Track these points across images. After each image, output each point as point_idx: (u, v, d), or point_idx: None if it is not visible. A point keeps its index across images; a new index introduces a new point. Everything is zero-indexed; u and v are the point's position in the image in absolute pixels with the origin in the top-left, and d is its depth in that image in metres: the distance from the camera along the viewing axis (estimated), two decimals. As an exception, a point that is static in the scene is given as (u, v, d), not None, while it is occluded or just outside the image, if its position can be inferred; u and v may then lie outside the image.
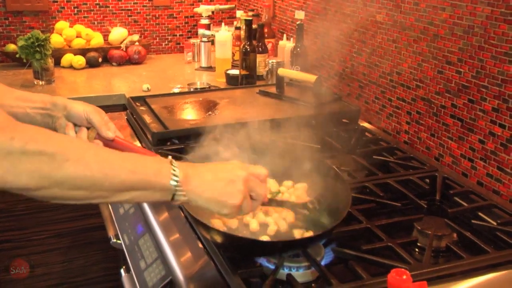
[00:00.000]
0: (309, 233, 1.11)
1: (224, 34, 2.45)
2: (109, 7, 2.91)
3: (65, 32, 2.76)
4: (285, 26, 2.61)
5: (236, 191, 0.97)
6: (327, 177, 1.21)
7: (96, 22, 2.91)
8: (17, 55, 2.40)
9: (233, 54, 2.54)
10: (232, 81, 2.33)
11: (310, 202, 1.17)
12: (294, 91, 2.04)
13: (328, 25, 2.15)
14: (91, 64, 2.71)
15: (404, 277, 0.83)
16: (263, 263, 1.06)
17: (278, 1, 2.65)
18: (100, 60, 2.73)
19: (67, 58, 2.69)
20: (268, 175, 1.06)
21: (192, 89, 2.24)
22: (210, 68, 2.65)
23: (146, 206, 1.35)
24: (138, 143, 1.69)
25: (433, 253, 1.13)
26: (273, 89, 2.05)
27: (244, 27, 2.27)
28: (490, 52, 1.38)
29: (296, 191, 1.23)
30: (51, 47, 2.39)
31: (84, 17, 2.88)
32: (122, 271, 1.50)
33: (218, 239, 1.06)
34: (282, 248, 1.05)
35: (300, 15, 2.21)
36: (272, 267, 1.04)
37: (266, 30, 2.49)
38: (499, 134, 1.38)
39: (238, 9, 2.97)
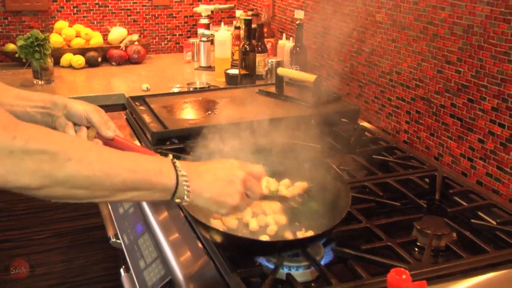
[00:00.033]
0: (309, 233, 1.12)
1: (223, 34, 2.45)
2: (108, 6, 2.91)
3: (64, 32, 2.76)
4: (284, 25, 2.60)
5: (234, 191, 0.98)
6: (327, 176, 1.21)
7: (95, 22, 2.91)
8: (17, 55, 2.40)
9: (233, 54, 2.53)
10: (232, 80, 2.33)
11: (298, 195, 1.19)
12: (293, 90, 2.04)
13: (328, 24, 2.15)
14: (91, 63, 2.71)
15: (404, 276, 0.83)
16: (263, 262, 1.06)
17: (278, 1, 2.65)
18: (99, 59, 2.73)
19: (67, 58, 2.69)
20: (264, 174, 1.08)
21: (191, 89, 2.24)
22: (209, 68, 2.65)
23: (145, 206, 1.35)
24: (137, 143, 1.69)
25: (433, 252, 1.13)
26: (272, 89, 2.05)
27: (243, 27, 2.27)
28: (490, 52, 1.38)
29: (295, 190, 1.23)
30: (50, 46, 2.39)
31: (84, 16, 2.88)
32: (121, 270, 1.50)
33: (218, 238, 1.06)
34: (282, 247, 1.06)
35: (299, 14, 2.21)
36: (271, 266, 1.04)
37: (265, 29, 2.49)
38: (498, 133, 1.39)
39: (237, 9, 2.97)
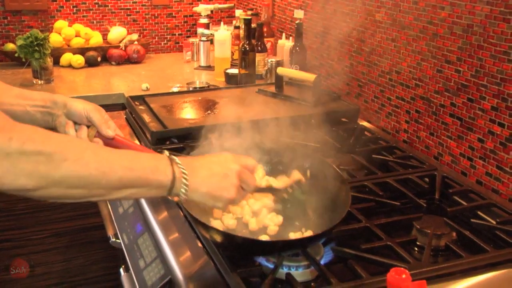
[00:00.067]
0: (309, 233, 1.12)
1: (223, 33, 2.45)
2: (108, 6, 2.91)
3: (64, 31, 2.76)
4: (284, 25, 2.60)
5: (230, 185, 1.00)
6: (327, 176, 1.21)
7: (95, 21, 2.91)
8: (16, 55, 2.40)
9: (232, 53, 2.53)
10: (231, 80, 2.33)
11: (290, 186, 1.21)
12: (293, 90, 2.04)
13: (327, 24, 2.15)
14: (90, 63, 2.71)
15: (404, 276, 0.83)
16: (263, 262, 1.06)
17: (277, 0, 2.65)
18: (99, 59, 2.73)
19: (66, 58, 2.69)
20: (257, 166, 1.10)
21: (191, 88, 2.24)
22: (209, 67, 2.65)
23: (145, 205, 1.34)
24: (137, 142, 1.69)
25: (433, 252, 1.13)
26: (272, 88, 2.05)
27: (243, 26, 2.27)
28: (489, 51, 1.38)
29: (287, 181, 1.24)
30: (50, 46, 2.39)
31: (83, 16, 2.88)
32: (121, 270, 1.50)
33: (218, 238, 1.06)
34: (282, 247, 1.06)
35: (299, 14, 2.21)
36: (271, 266, 1.04)
37: (265, 29, 2.49)
38: (498, 133, 1.39)
39: (237, 8, 2.96)
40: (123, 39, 2.84)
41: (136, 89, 2.31)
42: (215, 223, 1.13)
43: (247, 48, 2.23)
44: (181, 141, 1.63)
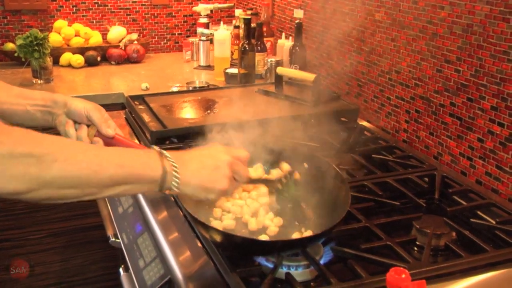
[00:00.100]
0: (308, 232, 1.12)
1: (223, 33, 2.45)
2: (107, 5, 2.91)
3: (63, 31, 2.76)
4: (283, 24, 2.60)
5: (222, 176, 1.00)
6: (326, 176, 1.21)
7: (94, 21, 2.91)
8: (16, 54, 2.40)
9: (232, 53, 2.53)
10: (231, 80, 2.33)
11: (284, 177, 1.22)
12: (293, 89, 2.04)
13: (327, 23, 2.15)
14: (90, 63, 2.70)
15: (403, 276, 0.83)
16: (262, 262, 1.06)
17: (277, 0, 2.65)
18: (98, 59, 2.73)
19: (66, 57, 2.69)
20: (248, 157, 1.10)
21: (190, 88, 2.24)
22: (209, 67, 2.65)
23: (145, 205, 1.34)
24: (137, 142, 1.69)
25: (432, 252, 1.13)
26: (272, 88, 2.05)
27: (243, 26, 2.27)
28: (489, 51, 1.38)
29: (279, 173, 1.25)
30: (49, 46, 2.39)
31: (83, 16, 2.87)
32: (121, 270, 1.50)
33: (217, 238, 1.06)
34: (281, 247, 1.05)
35: (299, 13, 2.21)
36: (271, 266, 1.04)
37: (265, 28, 2.49)
38: (498, 132, 1.38)
39: (236, 8, 2.96)
40: (122, 39, 2.84)
41: (136, 88, 2.31)
42: (215, 223, 1.12)
43: (247, 48, 2.23)
44: (180, 140, 1.63)
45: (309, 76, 1.90)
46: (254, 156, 1.26)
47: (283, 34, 2.50)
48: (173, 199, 1.34)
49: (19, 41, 2.32)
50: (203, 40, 2.65)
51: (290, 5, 2.49)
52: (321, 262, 1.07)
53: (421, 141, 1.68)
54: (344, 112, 1.86)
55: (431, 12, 1.57)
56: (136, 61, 2.79)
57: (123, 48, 2.79)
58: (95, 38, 2.81)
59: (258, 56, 2.32)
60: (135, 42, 2.84)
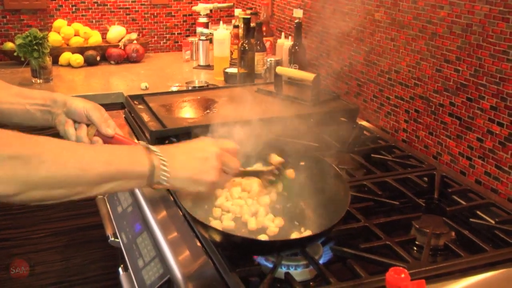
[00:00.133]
0: (308, 232, 1.12)
1: (222, 33, 2.45)
2: (107, 5, 2.91)
3: (63, 31, 2.76)
4: (283, 24, 2.60)
5: (210, 168, 1.00)
6: (326, 175, 1.21)
7: (94, 21, 2.90)
8: (15, 54, 2.40)
9: (231, 53, 2.53)
10: (230, 79, 2.33)
11: (276, 168, 1.22)
12: (292, 89, 2.03)
13: (327, 23, 2.15)
14: (89, 62, 2.70)
15: (402, 275, 0.83)
16: (261, 261, 1.06)
17: (277, 0, 2.65)
18: (98, 58, 2.73)
19: (65, 57, 2.68)
20: (237, 149, 1.10)
21: (190, 88, 2.24)
22: (208, 67, 2.65)
23: (144, 205, 1.34)
24: (136, 141, 1.69)
25: (431, 251, 1.13)
26: (271, 88, 2.05)
27: (242, 26, 2.27)
28: (488, 51, 1.38)
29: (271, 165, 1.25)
30: (49, 45, 2.39)
31: (82, 15, 2.87)
32: (120, 269, 1.50)
33: (217, 238, 1.06)
34: (281, 247, 1.05)
35: (298, 13, 2.21)
36: (270, 265, 1.04)
37: (264, 28, 2.49)
38: (497, 132, 1.39)
39: (236, 8, 2.96)
40: (122, 38, 2.83)
41: (135, 88, 2.31)
42: (214, 223, 1.12)
43: (246, 48, 2.23)
44: (180, 140, 1.63)
45: (308, 76, 1.89)
46: (254, 156, 1.26)
47: (283, 33, 2.50)
48: (172, 198, 1.34)
49: (19, 41, 2.32)
50: (202, 40, 2.65)
51: (290, 4, 2.49)
52: (321, 261, 1.07)
53: (420, 141, 1.68)
54: (343, 112, 1.86)
55: (431, 11, 1.57)
56: (136, 60, 2.79)
57: (122, 47, 2.79)
58: (95, 38, 2.81)
59: (258, 56, 2.32)
60: (135, 41, 2.83)
